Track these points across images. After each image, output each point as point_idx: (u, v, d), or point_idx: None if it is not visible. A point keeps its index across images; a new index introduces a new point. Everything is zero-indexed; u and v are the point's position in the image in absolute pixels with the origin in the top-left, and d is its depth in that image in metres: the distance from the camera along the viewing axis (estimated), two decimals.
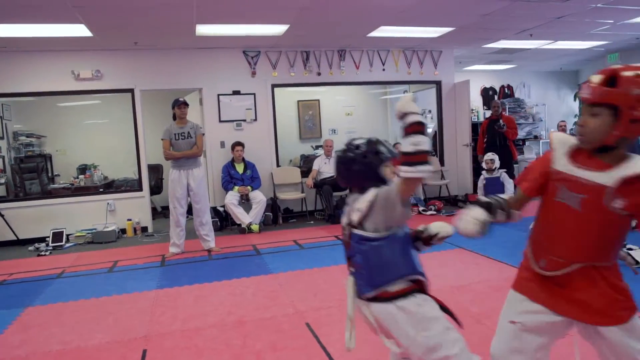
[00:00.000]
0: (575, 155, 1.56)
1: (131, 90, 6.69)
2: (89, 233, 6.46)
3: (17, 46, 6.01)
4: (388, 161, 1.72)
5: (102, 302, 3.84)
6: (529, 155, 9.77)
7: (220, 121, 7.03)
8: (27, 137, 8.27)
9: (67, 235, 6.44)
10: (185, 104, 5.17)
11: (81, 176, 7.63)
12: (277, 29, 5.94)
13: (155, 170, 8.20)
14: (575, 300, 1.57)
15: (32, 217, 6.52)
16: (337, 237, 5.70)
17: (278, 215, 6.98)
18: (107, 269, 4.93)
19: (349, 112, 9.54)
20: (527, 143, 10.06)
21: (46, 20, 4.97)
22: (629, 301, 1.57)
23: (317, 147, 8.96)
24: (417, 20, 5.93)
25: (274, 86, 7.19)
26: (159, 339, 3.04)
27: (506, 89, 10.63)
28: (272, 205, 6.96)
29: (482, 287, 3.64)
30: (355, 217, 1.69)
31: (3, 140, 7.92)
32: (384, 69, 7.59)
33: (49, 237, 6.27)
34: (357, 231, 1.70)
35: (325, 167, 7.14)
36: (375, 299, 1.70)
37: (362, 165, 1.72)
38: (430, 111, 8.77)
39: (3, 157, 7.53)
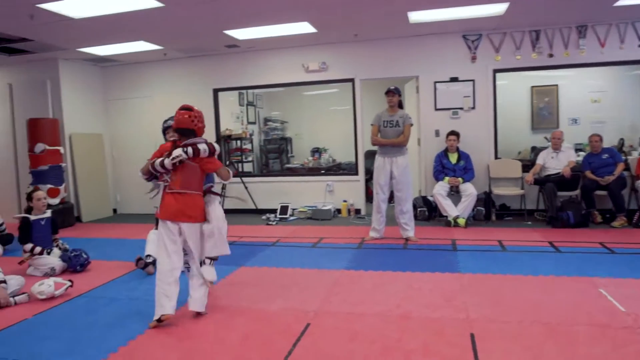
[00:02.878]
0: None
1: (352, 80, 7.11)
2: (309, 209, 7.21)
3: (261, 46, 7.07)
4: None
5: (303, 273, 4.25)
6: None
7: (436, 109, 6.87)
8: (274, 122, 9.67)
9: (292, 210, 7.33)
10: (393, 92, 5.22)
11: (310, 158, 8.53)
12: (496, 8, 5.43)
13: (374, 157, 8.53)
14: None
15: (269, 191, 7.63)
16: (552, 244, 4.96)
17: (491, 211, 6.47)
18: (312, 244, 5.43)
19: (596, 99, 8.06)
20: None
21: (277, 21, 5.70)
22: None
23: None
24: None
25: (495, 71, 6.62)
26: (325, 316, 3.21)
27: None
28: (486, 199, 6.48)
29: None
30: None
31: (255, 125, 9.45)
32: None
33: (277, 209, 7.27)
34: None
35: (552, 162, 6.25)
36: None
37: None
38: None
39: (252, 139, 8.96)
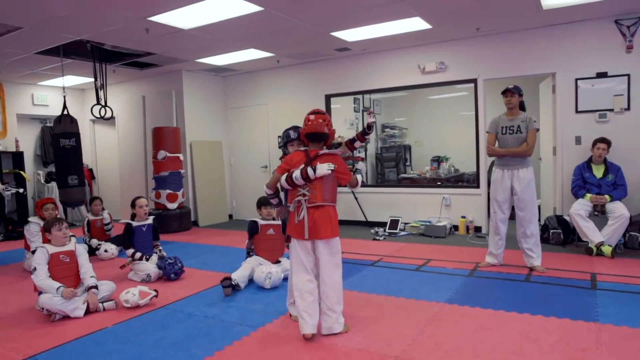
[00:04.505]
0: None
1: (474, 80, 6.30)
2: (422, 225, 6.55)
3: (372, 47, 6.64)
4: None
5: (396, 303, 3.70)
6: None
7: (577, 112, 5.75)
8: (391, 129, 9.14)
9: (404, 224, 6.73)
10: (512, 92, 4.39)
11: (427, 168, 7.83)
12: None
13: None
14: None
15: (381, 203, 7.14)
16: None
17: None
18: (417, 266, 4.81)
19: None
20: None
21: (383, 18, 5.20)
22: None
23: None
24: None
25: None
26: None
27: None
28: None
29: None
30: None
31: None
32: None
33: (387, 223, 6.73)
34: None
35: None
36: None
37: None
38: None
39: (366, 147, 8.52)
